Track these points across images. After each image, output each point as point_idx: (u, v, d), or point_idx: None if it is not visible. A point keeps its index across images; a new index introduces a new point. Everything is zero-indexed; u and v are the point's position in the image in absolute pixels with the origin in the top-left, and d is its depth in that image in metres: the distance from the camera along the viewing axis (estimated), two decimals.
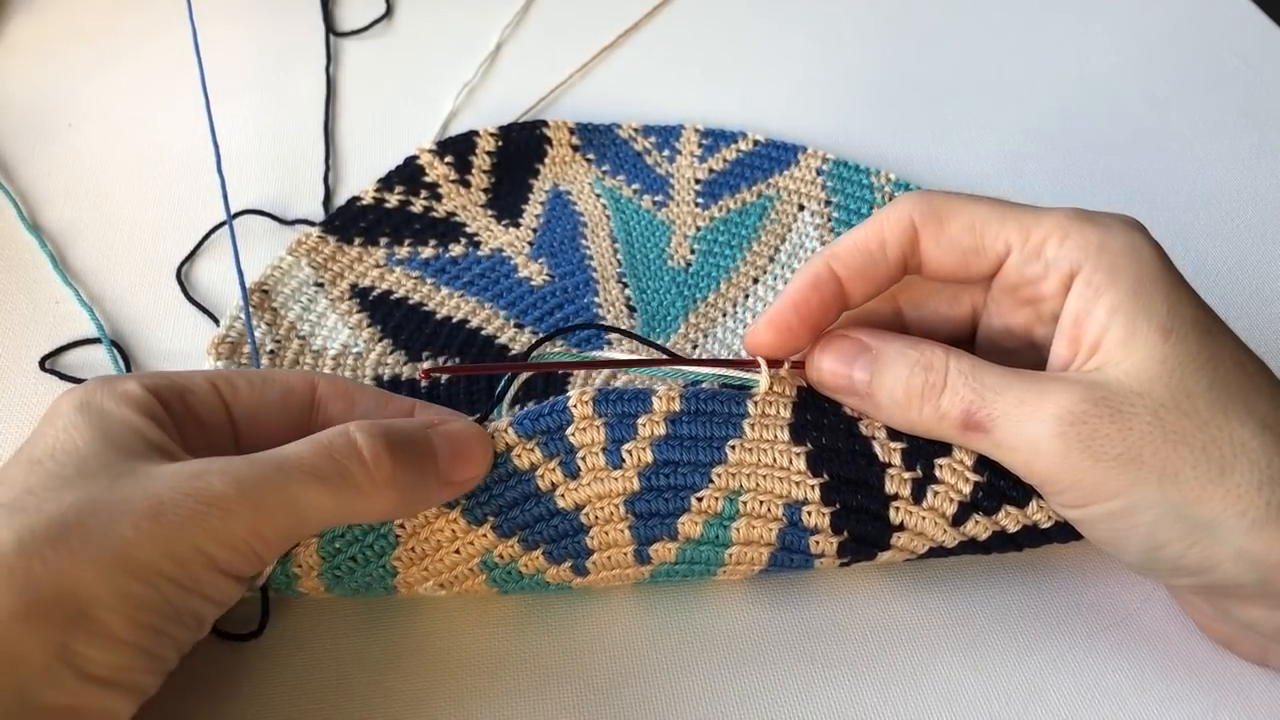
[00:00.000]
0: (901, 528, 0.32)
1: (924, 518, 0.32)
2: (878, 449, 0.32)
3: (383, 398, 0.34)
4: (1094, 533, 0.31)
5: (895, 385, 0.31)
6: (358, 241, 0.45)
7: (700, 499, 0.32)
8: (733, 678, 0.34)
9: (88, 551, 0.25)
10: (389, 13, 0.55)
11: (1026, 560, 0.37)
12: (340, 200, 0.47)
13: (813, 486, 0.32)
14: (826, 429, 0.32)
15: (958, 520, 0.32)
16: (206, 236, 0.45)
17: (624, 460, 0.32)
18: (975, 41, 0.55)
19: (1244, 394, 0.29)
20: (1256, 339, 0.43)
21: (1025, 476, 0.31)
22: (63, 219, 0.46)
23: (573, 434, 0.32)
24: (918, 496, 0.32)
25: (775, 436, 0.32)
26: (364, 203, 0.46)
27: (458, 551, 0.32)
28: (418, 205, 0.46)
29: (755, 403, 0.33)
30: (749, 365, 0.33)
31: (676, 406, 0.33)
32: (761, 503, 0.32)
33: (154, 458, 0.28)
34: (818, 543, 0.32)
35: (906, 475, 0.32)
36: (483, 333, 0.42)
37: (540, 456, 0.32)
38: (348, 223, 0.46)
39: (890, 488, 0.32)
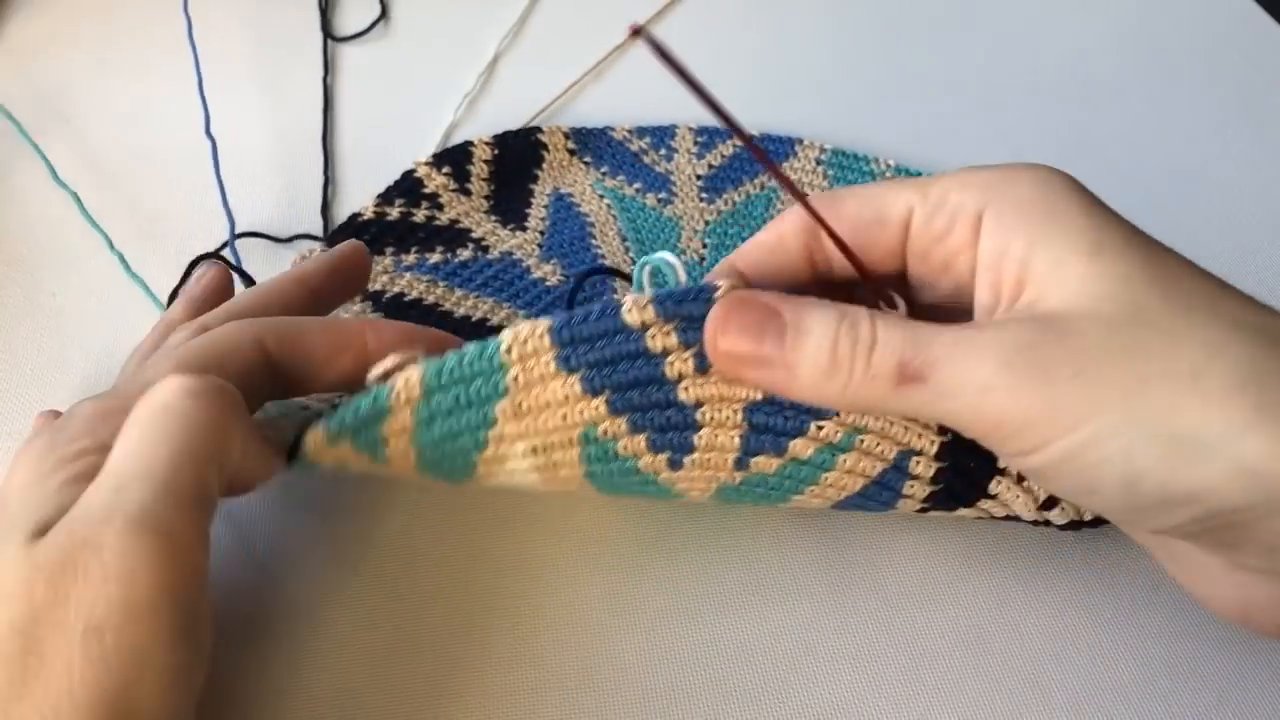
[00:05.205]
0: (994, 496, 0.33)
1: (1018, 497, 0.33)
2: None
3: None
4: (1062, 481, 0.27)
5: (820, 351, 0.27)
6: None
7: (821, 428, 0.31)
8: (734, 674, 0.34)
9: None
10: (384, 14, 0.55)
11: (1028, 558, 0.37)
12: (340, 216, 0.47)
13: (932, 442, 0.31)
14: None
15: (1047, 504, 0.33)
16: (193, 265, 0.43)
17: None
18: (975, 39, 0.55)
19: (1207, 299, 0.26)
20: None
21: (971, 425, 0.27)
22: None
23: None
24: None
25: None
26: (365, 218, 0.46)
27: (564, 417, 0.30)
28: (420, 215, 0.46)
29: None
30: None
31: None
32: (879, 444, 0.31)
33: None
34: (911, 487, 0.32)
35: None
36: None
37: (675, 343, 0.29)
38: (350, 236, 0.44)
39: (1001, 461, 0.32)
